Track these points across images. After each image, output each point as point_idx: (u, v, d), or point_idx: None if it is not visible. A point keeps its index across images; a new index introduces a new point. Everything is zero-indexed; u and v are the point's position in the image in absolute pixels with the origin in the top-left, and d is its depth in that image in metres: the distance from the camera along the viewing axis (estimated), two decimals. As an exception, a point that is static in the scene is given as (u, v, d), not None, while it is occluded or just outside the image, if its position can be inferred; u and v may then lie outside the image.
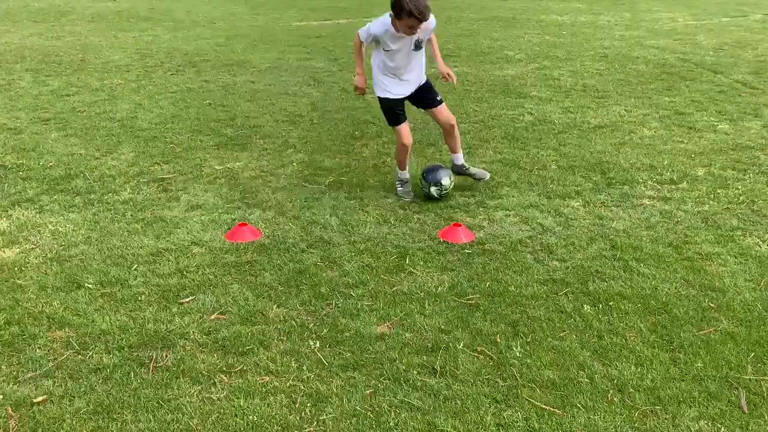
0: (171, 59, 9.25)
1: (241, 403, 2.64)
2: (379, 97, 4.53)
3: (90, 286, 3.48)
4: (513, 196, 4.64)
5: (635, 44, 10.20)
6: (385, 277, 3.58)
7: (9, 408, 2.62)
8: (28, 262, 3.73)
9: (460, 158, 4.77)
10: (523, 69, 8.62)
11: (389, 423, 2.55)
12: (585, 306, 3.31)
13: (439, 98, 4.56)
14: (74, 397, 2.68)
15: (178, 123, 6.34)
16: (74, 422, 2.54)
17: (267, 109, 6.83)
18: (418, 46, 4.30)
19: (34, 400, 2.66)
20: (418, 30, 4.13)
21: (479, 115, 6.61)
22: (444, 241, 3.98)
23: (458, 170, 4.75)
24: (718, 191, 4.71)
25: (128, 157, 5.42)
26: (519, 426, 2.53)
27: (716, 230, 4.12)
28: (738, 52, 9.52)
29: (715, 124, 6.23)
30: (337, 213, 4.38)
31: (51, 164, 5.25)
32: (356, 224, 4.22)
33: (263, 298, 3.39)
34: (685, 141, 5.77)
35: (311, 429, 2.52)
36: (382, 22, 4.20)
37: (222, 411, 2.61)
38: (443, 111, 4.58)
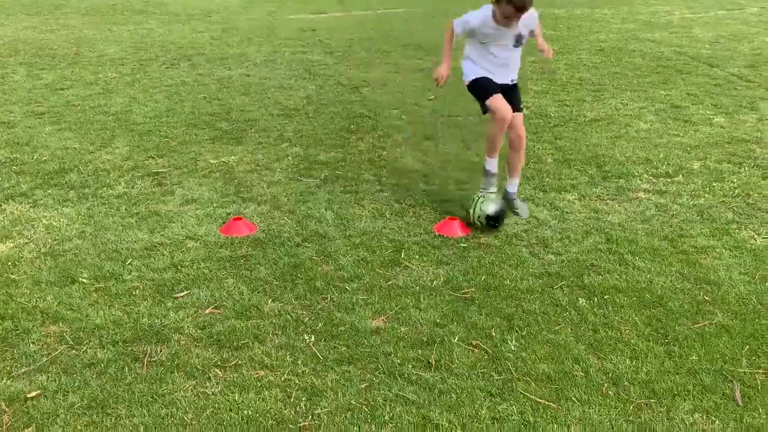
0: (166, 53, 9.20)
1: (236, 398, 2.64)
2: (470, 81, 4.10)
3: (84, 280, 3.47)
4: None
5: (631, 37, 10.19)
6: (381, 271, 3.58)
7: (3, 403, 2.61)
8: (22, 257, 3.71)
9: (514, 185, 4.29)
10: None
11: (384, 417, 2.55)
12: (580, 299, 3.31)
13: (521, 106, 4.19)
14: (68, 391, 2.67)
15: (173, 117, 6.31)
16: (68, 417, 2.53)
17: (262, 103, 6.80)
18: (518, 42, 3.98)
19: (28, 395, 2.65)
20: (516, 21, 3.80)
21: (474, 107, 6.58)
22: (440, 235, 3.98)
23: (508, 197, 4.28)
24: (714, 184, 4.71)
25: (123, 151, 5.39)
26: (514, 419, 2.53)
27: (711, 223, 4.13)
28: (734, 45, 9.51)
29: (711, 117, 6.23)
30: (332, 207, 4.37)
31: (45, 158, 5.23)
32: (351, 218, 4.21)
33: (258, 292, 3.38)
34: (681, 134, 5.77)
35: (306, 423, 2.52)
36: (481, 12, 3.88)
37: (217, 405, 2.60)
38: (519, 119, 4.14)
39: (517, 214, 4.24)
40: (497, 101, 3.96)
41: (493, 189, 4.18)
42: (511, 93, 4.10)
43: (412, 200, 4.49)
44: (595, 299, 3.32)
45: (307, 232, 4.01)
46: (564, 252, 3.79)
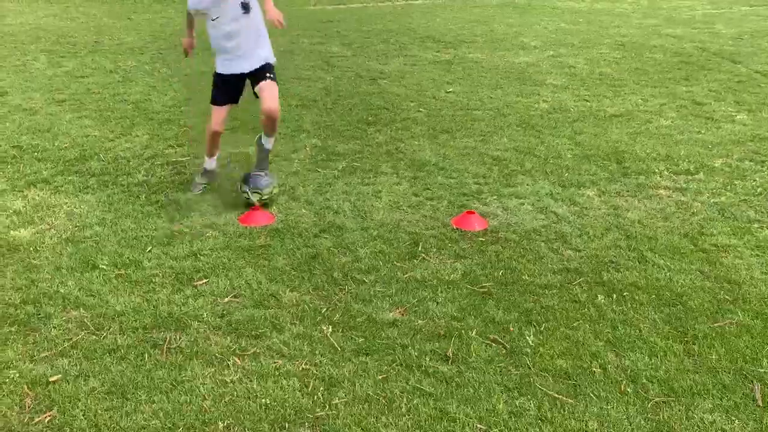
0: (185, 42, 9.22)
1: (254, 386, 2.66)
2: (214, 72, 4.23)
3: (104, 267, 3.50)
4: (527, 185, 4.61)
5: (653, 33, 10.07)
6: (398, 264, 3.58)
7: (25, 386, 2.65)
8: (43, 243, 3.75)
9: (269, 142, 4.32)
10: (539, 56, 8.54)
11: (401, 409, 2.55)
12: (599, 296, 3.29)
13: (268, 74, 4.08)
14: (89, 376, 2.70)
15: (192, 106, 6.33)
16: (89, 401, 2.56)
17: (280, 94, 6.77)
18: (245, 7, 3.87)
19: (50, 379, 2.68)
20: None
21: (494, 102, 6.56)
22: (457, 229, 3.97)
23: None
24: (735, 182, 4.65)
25: (142, 140, 5.43)
26: (531, 414, 2.53)
27: (733, 222, 4.08)
28: (758, 41, 9.38)
29: (734, 114, 6.15)
30: (350, 198, 4.37)
31: (66, 145, 5.27)
32: (369, 210, 4.21)
33: (276, 282, 3.39)
34: (703, 131, 5.70)
35: (323, 413, 2.53)
36: None
37: (235, 393, 2.62)
38: (270, 89, 4.06)
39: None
40: (216, 112, 4.20)
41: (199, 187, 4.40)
42: (260, 70, 4.07)
43: (430, 193, 4.48)
44: (614, 296, 3.30)
45: (324, 223, 4.02)
46: (583, 248, 3.77)
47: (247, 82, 4.22)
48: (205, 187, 4.47)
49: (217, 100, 4.24)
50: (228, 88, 4.21)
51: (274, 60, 4.20)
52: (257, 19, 4.03)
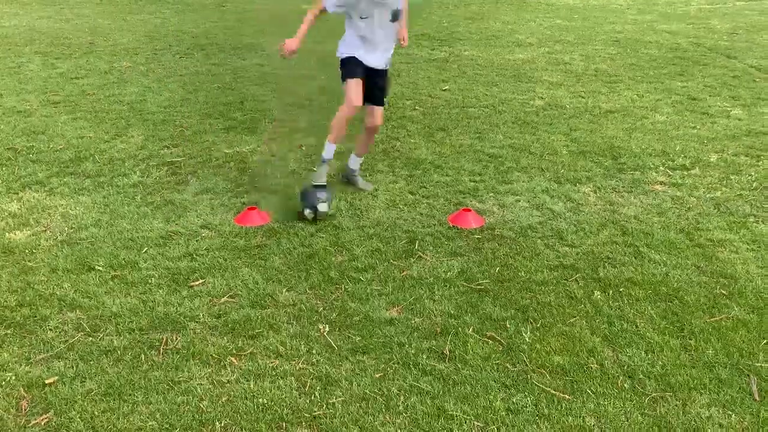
0: (179, 42, 9.22)
1: (251, 386, 2.65)
2: (341, 58, 4.20)
3: (100, 268, 3.50)
4: (523, 182, 4.62)
5: (648, 28, 10.08)
6: (395, 262, 3.58)
7: (21, 389, 2.64)
8: (39, 245, 3.74)
9: (358, 161, 4.50)
10: (534, 53, 8.54)
11: (399, 407, 2.55)
12: (595, 292, 3.30)
13: (385, 99, 4.35)
14: (85, 378, 2.70)
15: (187, 106, 6.33)
16: (85, 403, 2.56)
17: (276, 93, 6.80)
18: (395, 17, 4.07)
19: (46, 381, 2.68)
20: None
21: (489, 99, 6.56)
22: (454, 226, 3.97)
23: (349, 174, 4.54)
24: (731, 177, 4.66)
25: (137, 141, 5.42)
26: (528, 411, 2.53)
27: (728, 217, 4.09)
28: (753, 36, 9.39)
29: (729, 109, 6.15)
30: (346, 197, 4.37)
31: (61, 147, 5.26)
32: (365, 209, 4.21)
33: (273, 281, 3.39)
34: (698, 126, 5.71)
35: (321, 412, 2.53)
36: None
37: (232, 393, 2.62)
38: (379, 113, 4.33)
39: (360, 188, 4.46)
40: (352, 85, 4.04)
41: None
42: (377, 85, 4.21)
43: (426, 191, 4.48)
44: (611, 292, 3.30)
45: (320, 222, 4.01)
46: (579, 244, 3.77)
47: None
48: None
49: (351, 73, 4.08)
50: (359, 66, 4.13)
51: (389, 66, 4.34)
52: (397, 27, 4.20)
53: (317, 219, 4.00)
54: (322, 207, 3.99)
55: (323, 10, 4.15)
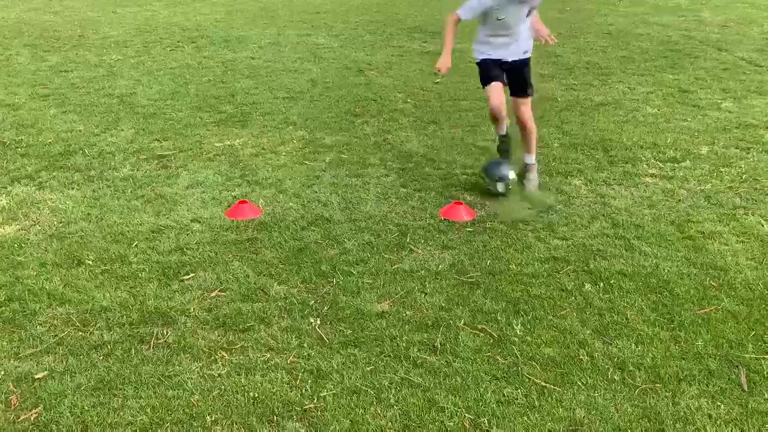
0: (170, 35, 9.15)
1: (242, 380, 2.65)
2: (477, 61, 4.31)
3: (90, 262, 3.48)
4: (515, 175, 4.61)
5: (639, 21, 10.09)
6: (386, 255, 3.58)
7: (11, 384, 2.63)
8: (28, 239, 3.72)
9: (530, 158, 4.45)
10: (526, 46, 8.52)
11: (390, 400, 2.55)
12: (586, 284, 3.31)
13: (529, 90, 4.29)
14: (75, 373, 2.68)
15: (178, 99, 6.29)
16: (75, 398, 2.55)
17: (267, 86, 6.77)
18: (530, 12, 4.10)
19: (36, 376, 2.66)
20: None
21: (481, 93, 6.53)
22: (445, 220, 3.97)
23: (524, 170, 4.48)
24: (721, 170, 4.68)
25: (127, 134, 5.38)
26: (519, 403, 2.54)
27: (719, 209, 4.10)
28: (743, 29, 9.41)
29: (719, 102, 6.17)
30: (337, 191, 4.36)
31: (50, 140, 5.22)
32: (357, 202, 4.20)
33: (264, 275, 3.38)
34: (689, 119, 5.73)
35: (312, 405, 2.53)
36: None
37: (223, 387, 2.61)
38: (523, 106, 4.29)
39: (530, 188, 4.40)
40: (492, 89, 4.20)
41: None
42: (520, 71, 4.24)
43: (418, 184, 4.47)
44: (601, 284, 3.31)
45: (312, 216, 4.01)
46: (570, 237, 3.78)
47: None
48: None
49: (488, 78, 4.23)
50: (494, 67, 4.23)
51: (530, 52, 4.30)
52: (530, 21, 4.21)
53: (508, 190, 4.24)
54: (511, 175, 4.25)
55: (459, 20, 4.19)
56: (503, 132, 4.43)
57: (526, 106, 4.31)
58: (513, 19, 4.08)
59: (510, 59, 4.21)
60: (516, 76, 4.27)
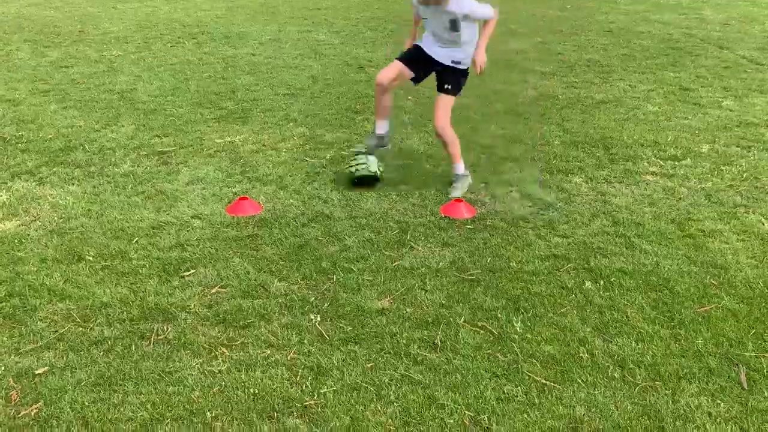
0: (171, 31, 9.14)
1: (242, 376, 2.65)
2: None
3: (90, 258, 3.48)
4: (515, 172, 4.62)
5: (640, 19, 10.07)
6: (386, 252, 3.58)
7: (11, 379, 2.63)
8: (28, 235, 3.72)
9: (457, 167, 4.32)
10: (527, 43, 8.52)
11: (390, 396, 2.56)
12: (586, 282, 3.31)
13: (446, 86, 4.12)
14: (76, 368, 2.69)
15: (178, 96, 6.28)
16: (76, 393, 2.55)
17: (267, 82, 6.77)
18: (454, 27, 3.94)
19: (36, 372, 2.67)
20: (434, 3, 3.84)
21: (481, 90, 6.54)
22: (445, 217, 3.97)
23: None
24: (722, 168, 4.67)
25: (128, 130, 5.38)
26: (519, 400, 2.54)
27: (719, 207, 4.10)
28: (745, 27, 9.40)
29: (720, 100, 6.17)
30: (338, 187, 4.36)
31: (50, 136, 5.22)
32: (357, 199, 4.20)
33: (264, 272, 3.38)
34: (690, 117, 5.72)
35: (312, 402, 2.53)
36: None
37: (223, 384, 2.61)
38: (439, 104, 4.16)
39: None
40: (391, 64, 4.17)
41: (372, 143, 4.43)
42: (442, 74, 4.17)
43: (418, 181, 4.47)
44: (602, 282, 3.31)
45: (312, 213, 4.01)
46: (570, 234, 3.78)
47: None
48: (366, 150, 4.39)
49: (399, 55, 4.22)
50: (414, 52, 4.18)
51: (466, 65, 4.15)
52: (464, 40, 4.05)
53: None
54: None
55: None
56: (381, 132, 4.37)
57: (441, 108, 4.13)
58: (433, 24, 4.02)
59: (436, 59, 4.12)
60: (439, 76, 4.20)
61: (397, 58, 4.21)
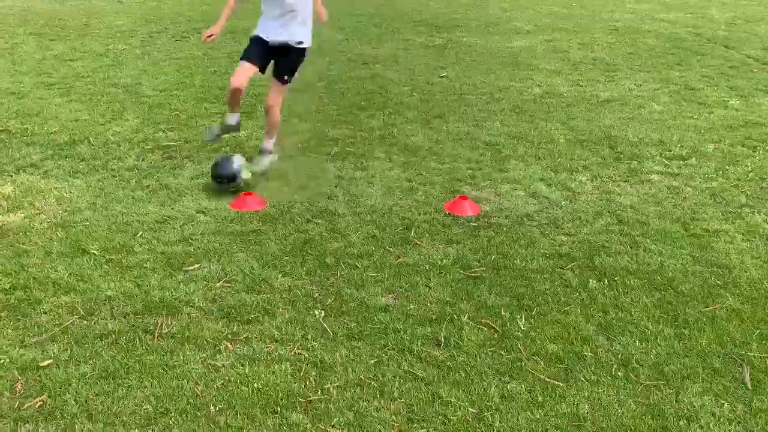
0: (176, 25, 9.14)
1: (246, 371, 2.65)
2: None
3: (95, 252, 3.48)
4: (520, 170, 4.61)
5: (646, 17, 10.04)
6: (391, 249, 3.57)
7: (15, 371, 2.64)
8: (33, 227, 3.72)
9: (267, 143, 4.48)
10: (532, 41, 8.50)
11: (393, 393, 2.56)
12: (590, 280, 3.30)
13: (285, 78, 4.28)
14: (80, 361, 2.69)
15: (183, 90, 6.28)
16: (80, 386, 2.56)
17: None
18: None
19: (40, 364, 2.67)
20: None
21: (487, 87, 6.53)
22: (450, 214, 3.96)
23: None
24: (727, 168, 4.66)
25: (133, 124, 5.38)
26: (522, 398, 2.54)
27: (724, 207, 4.09)
28: (751, 26, 9.37)
29: (726, 99, 6.15)
30: (342, 184, 4.35)
31: (55, 129, 5.22)
32: (361, 195, 4.19)
33: (268, 267, 3.38)
34: (695, 116, 5.71)
35: (315, 397, 2.53)
36: None
37: (227, 378, 2.62)
38: (274, 89, 4.31)
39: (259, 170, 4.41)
40: (240, 66, 4.20)
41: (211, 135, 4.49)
42: (284, 55, 4.24)
43: (423, 178, 4.47)
44: (606, 281, 3.30)
45: (317, 209, 4.00)
46: (575, 233, 3.77)
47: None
48: (218, 137, 4.47)
49: (243, 56, 4.29)
50: (255, 49, 4.26)
51: (307, 44, 4.30)
52: (302, 6, 4.17)
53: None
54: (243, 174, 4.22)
55: None
56: (232, 122, 4.43)
57: (278, 94, 4.30)
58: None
59: (278, 44, 4.19)
60: (279, 61, 4.26)
61: (243, 59, 4.26)
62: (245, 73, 4.20)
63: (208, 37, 4.23)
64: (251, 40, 4.30)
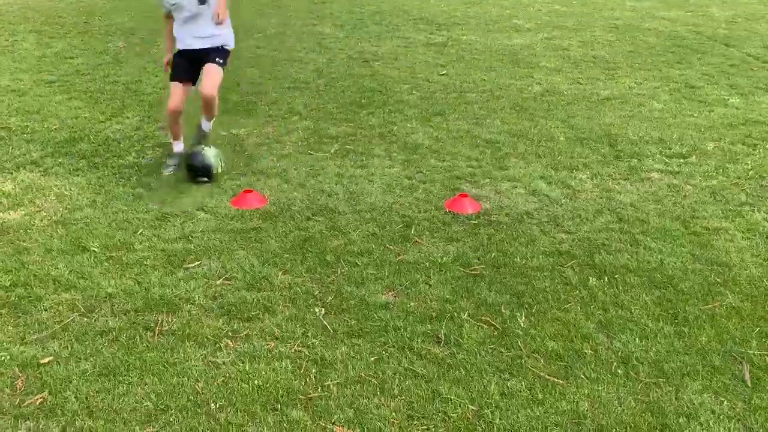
0: (175, 23, 9.12)
1: (247, 368, 2.66)
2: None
3: (95, 249, 3.48)
4: (520, 168, 4.61)
5: (646, 15, 10.04)
6: (391, 246, 3.58)
7: (16, 368, 2.64)
8: (34, 225, 3.72)
9: (205, 124, 4.63)
10: (532, 39, 8.50)
11: (393, 390, 2.56)
12: (590, 278, 3.31)
13: (217, 59, 4.29)
14: (80, 358, 2.69)
15: (183, 88, 6.27)
16: (80, 383, 2.56)
17: (272, 75, 6.76)
18: (202, 0, 4.16)
19: (41, 361, 2.67)
20: None
21: (487, 85, 6.53)
22: (450, 212, 3.97)
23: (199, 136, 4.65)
24: (727, 166, 4.66)
25: (133, 121, 5.38)
26: (522, 395, 2.54)
27: (724, 205, 4.10)
28: (752, 25, 9.36)
29: (726, 98, 6.15)
30: (342, 181, 4.35)
31: (55, 127, 5.22)
32: (362, 193, 4.20)
33: (269, 264, 3.39)
34: (696, 114, 5.71)
35: (316, 394, 2.54)
36: None
37: (227, 375, 2.62)
38: (209, 74, 4.28)
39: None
40: (173, 88, 4.30)
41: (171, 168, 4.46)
42: (207, 54, 4.30)
43: (423, 176, 4.47)
44: (606, 278, 3.31)
45: (317, 206, 4.01)
46: (575, 231, 3.77)
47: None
48: (176, 167, 4.46)
49: (172, 76, 4.38)
50: (183, 64, 4.35)
51: (230, 45, 4.43)
52: (214, 8, 4.25)
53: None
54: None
55: (165, 15, 4.39)
56: (178, 150, 4.48)
57: (215, 79, 4.28)
58: (185, 7, 4.17)
59: (197, 47, 4.27)
60: (207, 56, 4.29)
61: (172, 80, 4.35)
62: (176, 94, 4.30)
63: (167, 64, 4.45)
64: (174, 56, 4.40)
